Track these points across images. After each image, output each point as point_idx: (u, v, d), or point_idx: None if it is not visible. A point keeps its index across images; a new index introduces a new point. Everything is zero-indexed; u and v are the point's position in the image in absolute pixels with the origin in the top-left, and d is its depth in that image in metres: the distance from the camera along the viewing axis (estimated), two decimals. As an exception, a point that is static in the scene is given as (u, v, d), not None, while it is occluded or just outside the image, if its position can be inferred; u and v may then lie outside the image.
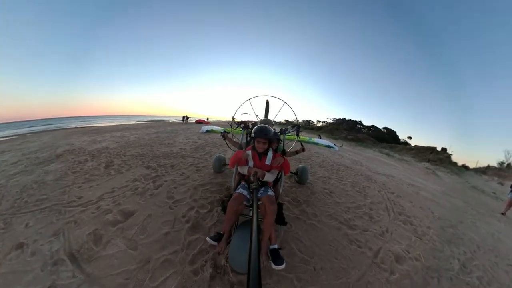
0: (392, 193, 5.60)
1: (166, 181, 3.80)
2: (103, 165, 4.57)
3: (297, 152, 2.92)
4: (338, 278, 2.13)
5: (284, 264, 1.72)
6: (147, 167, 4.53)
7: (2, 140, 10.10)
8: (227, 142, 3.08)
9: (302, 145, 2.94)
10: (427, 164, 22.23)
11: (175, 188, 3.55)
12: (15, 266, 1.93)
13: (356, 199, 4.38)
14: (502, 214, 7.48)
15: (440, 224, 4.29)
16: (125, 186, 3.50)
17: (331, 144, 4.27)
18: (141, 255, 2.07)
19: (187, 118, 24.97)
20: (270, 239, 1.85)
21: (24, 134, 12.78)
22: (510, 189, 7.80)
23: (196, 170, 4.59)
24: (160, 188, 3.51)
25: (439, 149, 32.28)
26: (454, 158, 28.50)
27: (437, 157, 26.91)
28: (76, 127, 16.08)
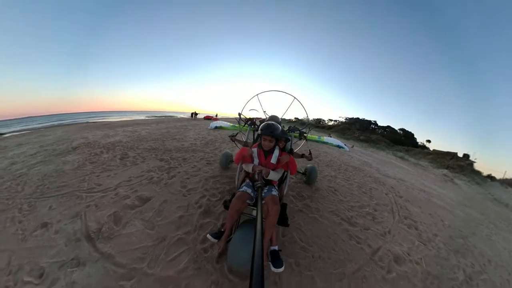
0: (401, 197, 5.53)
1: (179, 172, 4.06)
2: (119, 157, 4.87)
3: (302, 156, 2.90)
4: (334, 268, 2.26)
5: (283, 267, 1.74)
6: (161, 160, 4.80)
7: (18, 134, 10.79)
8: (236, 143, 3.19)
9: (310, 153, 2.93)
10: (445, 171, 21.18)
11: (187, 178, 3.80)
12: (40, 242, 2.19)
13: (360, 199, 4.43)
14: None
15: (449, 233, 4.16)
16: (141, 176, 3.77)
17: (341, 144, 4.25)
18: (157, 234, 2.33)
19: (196, 114, 25.30)
20: (271, 240, 1.87)
21: (38, 129, 13.52)
22: None
23: (207, 163, 4.81)
24: (174, 178, 3.77)
25: (460, 155, 30.92)
26: (477, 167, 26.54)
27: (457, 164, 25.43)
28: (87, 122, 16.82)
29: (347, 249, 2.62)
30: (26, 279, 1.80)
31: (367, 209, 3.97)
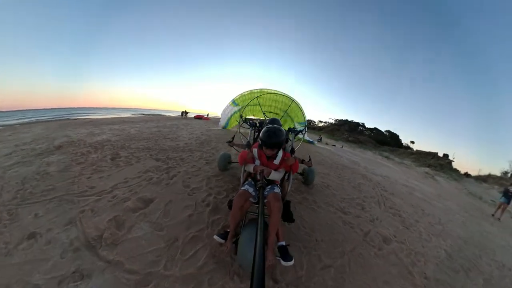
0: (386, 191, 6.07)
1: (179, 172, 3.89)
2: (109, 157, 4.57)
3: (302, 162, 2.97)
4: (335, 248, 2.63)
5: (292, 261, 1.77)
6: (157, 160, 4.58)
7: (-8, 130, 9.90)
8: (236, 148, 3.17)
9: (310, 159, 3.23)
10: (427, 169, 22.43)
11: (189, 178, 3.66)
12: (29, 255, 1.92)
13: (351, 193, 4.90)
14: (492, 215, 7.90)
15: (428, 220, 4.72)
16: (139, 177, 3.55)
17: (311, 140, 4.63)
18: (168, 235, 2.24)
19: (187, 113, 24.69)
20: (277, 236, 1.88)
21: (12, 125, 12.51)
22: (501, 193, 8.31)
23: (206, 163, 4.67)
24: (174, 178, 3.60)
25: (440, 155, 32.65)
26: (456, 165, 28.82)
27: (438, 163, 27.11)
28: (68, 119, 15.81)
29: (343, 232, 3.03)
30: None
31: (357, 201, 4.46)
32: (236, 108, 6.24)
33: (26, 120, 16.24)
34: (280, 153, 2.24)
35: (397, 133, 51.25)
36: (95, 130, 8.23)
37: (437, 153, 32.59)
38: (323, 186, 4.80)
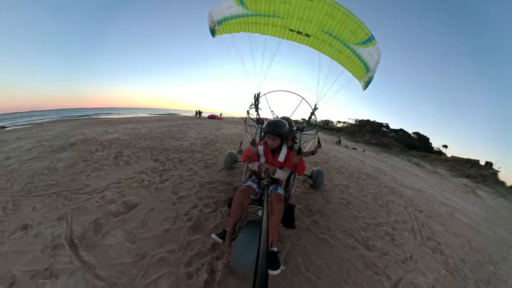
0: (421, 212, 5.16)
1: (172, 175, 3.87)
2: (113, 155, 4.78)
3: (312, 153, 2.86)
4: None
5: (280, 269, 1.68)
6: (156, 160, 4.66)
7: (20, 128, 11.03)
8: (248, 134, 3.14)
9: (319, 142, 2.94)
10: (465, 180, 20.14)
11: (181, 183, 3.60)
12: (17, 245, 2.09)
13: (377, 215, 4.09)
14: None
15: (477, 258, 3.78)
16: (132, 178, 3.63)
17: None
18: (137, 250, 2.13)
19: (200, 113, 25.40)
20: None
21: (41, 123, 13.81)
22: None
23: (205, 166, 4.64)
24: (166, 182, 3.58)
25: (482, 162, 29.40)
26: (502, 177, 24.74)
27: (479, 173, 24.29)
28: (90, 118, 17.12)
29: (363, 282, 2.27)
30: (-5, 288, 1.69)
31: (385, 228, 3.60)
32: (242, 11, 3.11)
33: (54, 118, 17.90)
34: (284, 150, 2.26)
35: (427, 136, 47.93)
36: (109, 129, 8.76)
37: (478, 160, 29.06)
38: (342, 204, 4.09)
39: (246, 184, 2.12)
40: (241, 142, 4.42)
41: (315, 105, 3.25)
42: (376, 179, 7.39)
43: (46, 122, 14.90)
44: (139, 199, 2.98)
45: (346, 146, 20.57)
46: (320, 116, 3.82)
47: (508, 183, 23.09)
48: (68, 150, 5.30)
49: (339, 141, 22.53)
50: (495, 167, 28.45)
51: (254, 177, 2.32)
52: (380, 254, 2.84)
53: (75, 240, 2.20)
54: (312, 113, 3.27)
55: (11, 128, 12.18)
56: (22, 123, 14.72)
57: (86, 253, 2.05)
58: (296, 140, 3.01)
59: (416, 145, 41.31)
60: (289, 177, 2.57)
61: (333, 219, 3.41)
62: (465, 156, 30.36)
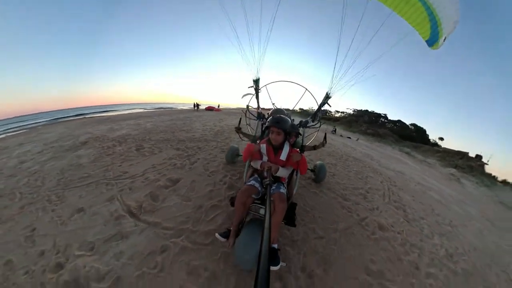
0: (395, 185, 5.85)
1: (198, 158, 4.51)
2: (134, 148, 5.20)
3: (314, 148, 2.83)
4: (330, 224, 3.00)
5: (279, 265, 1.78)
6: (177, 149, 5.17)
7: (15, 134, 10.90)
8: (241, 136, 3.07)
9: (325, 139, 2.79)
10: (453, 170, 20.88)
11: (208, 163, 4.27)
12: (81, 224, 2.52)
13: (356, 183, 4.94)
14: None
15: (436, 219, 4.41)
16: (164, 163, 4.17)
17: None
18: (194, 203, 2.92)
19: (198, 105, 25.16)
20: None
21: (34, 127, 13.62)
22: None
23: (221, 151, 5.21)
24: (195, 163, 4.22)
25: (472, 155, 30.54)
26: (493, 170, 25.89)
27: (467, 164, 25.17)
28: (84, 117, 16.92)
29: (340, 214, 3.33)
30: (78, 253, 2.09)
31: (360, 191, 4.52)
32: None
33: (43, 121, 17.58)
34: (287, 148, 2.26)
35: (425, 128, 48.27)
36: (114, 126, 8.95)
37: (467, 153, 30.30)
38: (329, 175, 4.84)
39: (248, 183, 2.14)
40: (240, 119, 3.59)
41: (327, 94, 3.19)
42: (362, 162, 8.15)
43: (39, 126, 14.69)
44: (179, 176, 3.62)
45: (341, 135, 21.20)
46: (317, 106, 3.44)
47: (498, 177, 23.69)
48: (83, 148, 5.53)
49: (335, 131, 23.03)
50: (484, 160, 29.61)
51: (256, 175, 2.35)
52: (353, 203, 3.82)
53: (134, 211, 2.73)
54: (324, 103, 3.22)
55: (3, 136, 11.91)
56: (14, 129, 14.45)
57: (148, 217, 2.61)
58: (300, 134, 3.06)
59: (412, 136, 41.77)
60: (291, 175, 2.63)
61: (321, 183, 4.32)
62: (460, 149, 31.28)
